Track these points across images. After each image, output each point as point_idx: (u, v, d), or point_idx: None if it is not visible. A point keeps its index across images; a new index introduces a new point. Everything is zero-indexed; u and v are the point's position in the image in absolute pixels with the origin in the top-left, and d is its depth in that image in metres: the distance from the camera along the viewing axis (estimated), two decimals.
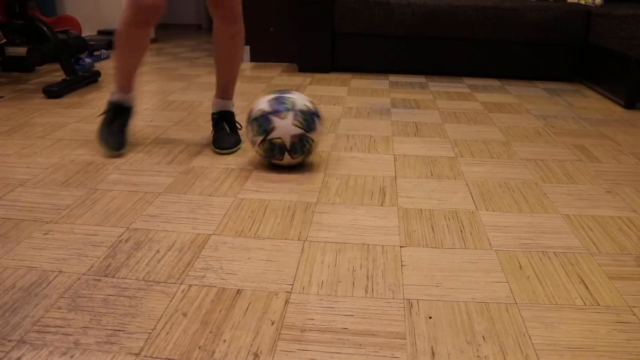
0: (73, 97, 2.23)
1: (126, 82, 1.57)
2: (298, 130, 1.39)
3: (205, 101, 2.21)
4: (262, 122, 1.40)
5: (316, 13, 2.81)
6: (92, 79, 2.46)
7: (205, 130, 1.81)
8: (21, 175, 1.39)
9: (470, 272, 1.00)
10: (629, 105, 2.20)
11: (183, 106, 2.12)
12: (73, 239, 1.07)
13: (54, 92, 2.18)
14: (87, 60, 2.78)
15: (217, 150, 1.60)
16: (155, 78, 2.66)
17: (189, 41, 4.09)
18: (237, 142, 1.63)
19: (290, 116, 1.39)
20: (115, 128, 1.57)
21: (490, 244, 1.10)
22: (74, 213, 1.18)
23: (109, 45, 3.48)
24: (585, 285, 0.96)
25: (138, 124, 1.85)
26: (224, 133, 1.63)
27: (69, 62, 2.31)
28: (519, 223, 1.20)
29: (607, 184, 1.43)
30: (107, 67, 2.90)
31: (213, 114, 1.67)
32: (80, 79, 2.36)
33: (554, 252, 1.08)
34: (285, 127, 1.38)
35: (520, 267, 1.02)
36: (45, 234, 1.09)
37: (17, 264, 0.98)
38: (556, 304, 0.91)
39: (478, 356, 0.78)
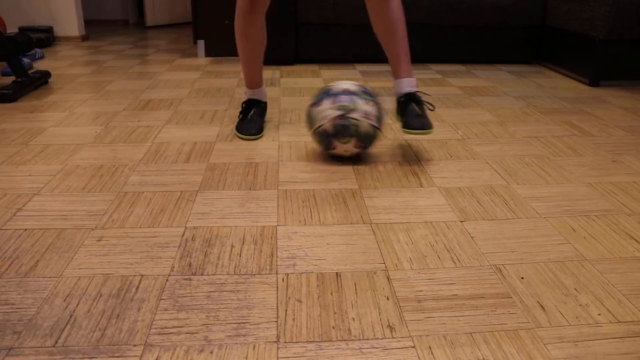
0: (29, 100, 2.12)
1: (254, 78, 1.75)
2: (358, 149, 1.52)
3: (184, 98, 2.19)
4: (323, 140, 1.50)
5: (279, 3, 2.87)
6: (42, 80, 2.34)
7: (201, 126, 1.82)
8: (29, 184, 1.33)
9: (534, 237, 1.14)
10: (594, 83, 2.50)
11: (163, 104, 2.10)
12: (133, 243, 1.07)
13: (9, 95, 2.06)
14: (26, 60, 2.64)
15: (410, 129, 1.52)
16: (113, 77, 2.58)
17: (123, 37, 3.96)
18: (427, 125, 1.52)
19: (352, 141, 1.47)
20: (253, 117, 1.76)
21: (537, 213, 1.25)
22: (117, 217, 1.17)
23: (39, 44, 3.30)
24: (636, 240, 1.14)
25: (128, 125, 1.82)
26: (412, 113, 1.56)
27: (19, 62, 2.19)
28: (552, 193, 1.37)
29: (610, 155, 1.64)
30: (53, 67, 2.76)
31: (397, 98, 1.63)
32: (32, 81, 2.25)
33: (596, 215, 1.25)
34: (344, 148, 1.50)
35: (574, 230, 1.18)
36: (98, 240, 1.08)
37: (87, 272, 0.97)
38: (620, 257, 1.07)
39: (580, 304, 0.91)
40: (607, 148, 1.70)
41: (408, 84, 1.60)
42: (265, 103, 1.84)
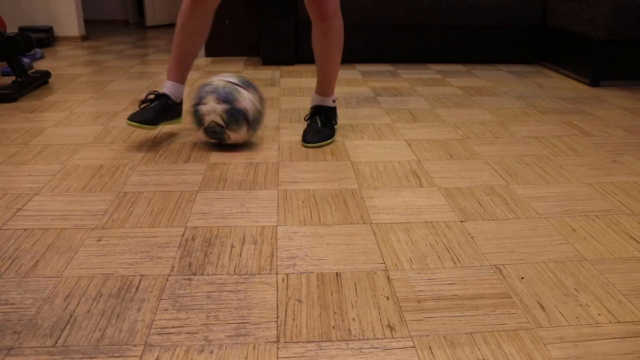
0: (29, 100, 2.12)
1: (179, 69, 1.63)
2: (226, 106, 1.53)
3: (184, 98, 2.19)
4: (216, 134, 1.56)
5: (279, 3, 2.87)
6: (42, 80, 2.34)
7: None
8: (29, 184, 1.33)
9: (534, 237, 1.14)
10: (594, 83, 2.50)
11: None
12: (134, 243, 1.07)
13: (9, 95, 2.06)
14: (26, 60, 2.65)
15: (303, 142, 1.67)
16: (113, 77, 2.58)
17: (123, 37, 3.96)
18: (327, 136, 1.69)
19: (244, 128, 1.55)
20: (150, 106, 1.59)
21: (537, 213, 1.25)
22: (117, 217, 1.17)
23: (39, 44, 3.30)
24: (636, 240, 1.14)
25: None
26: (313, 127, 1.71)
27: (19, 62, 2.19)
28: (552, 193, 1.37)
29: (610, 155, 1.64)
30: (53, 67, 2.76)
31: (311, 107, 1.78)
32: (32, 80, 2.24)
33: (596, 215, 1.25)
34: (236, 136, 1.57)
35: (574, 230, 1.18)
36: (98, 240, 1.08)
37: (87, 272, 0.97)
38: (620, 257, 1.07)
39: (580, 305, 0.91)
40: (607, 148, 1.70)
41: (324, 100, 1.75)
42: (175, 102, 1.64)
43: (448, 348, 0.80)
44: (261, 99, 1.59)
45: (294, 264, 1.01)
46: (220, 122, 1.51)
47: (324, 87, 1.73)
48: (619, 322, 0.87)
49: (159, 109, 1.59)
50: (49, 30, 3.49)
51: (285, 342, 0.80)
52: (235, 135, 1.56)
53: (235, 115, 1.51)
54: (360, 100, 2.23)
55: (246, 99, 1.52)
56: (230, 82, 1.54)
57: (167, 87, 1.63)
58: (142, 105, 1.61)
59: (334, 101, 1.77)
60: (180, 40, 1.60)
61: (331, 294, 0.92)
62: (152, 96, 1.70)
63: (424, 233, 1.14)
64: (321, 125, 1.71)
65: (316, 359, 0.77)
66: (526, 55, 3.08)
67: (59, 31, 3.60)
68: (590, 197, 1.34)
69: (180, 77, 1.63)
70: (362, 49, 3.02)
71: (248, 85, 1.56)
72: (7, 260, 1.01)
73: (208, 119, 1.52)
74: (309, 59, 3.04)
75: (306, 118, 1.78)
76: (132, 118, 1.53)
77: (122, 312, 0.86)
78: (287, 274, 0.97)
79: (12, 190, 1.30)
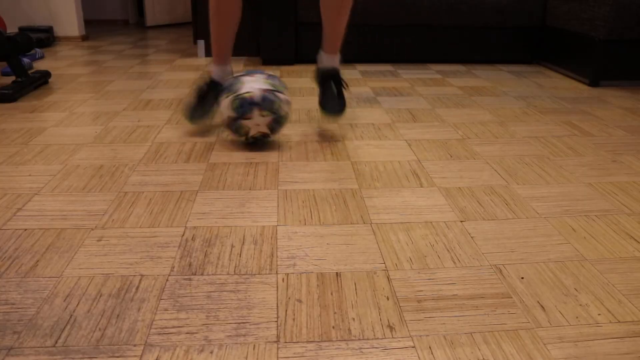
0: (30, 100, 2.12)
1: (221, 52, 1.74)
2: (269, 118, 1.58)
3: (184, 98, 2.19)
4: (242, 105, 1.53)
5: (279, 3, 2.87)
6: (42, 80, 2.34)
7: (201, 126, 1.82)
8: (29, 184, 1.33)
9: (534, 237, 1.14)
10: (594, 83, 2.50)
11: (163, 104, 2.10)
12: (133, 243, 1.07)
13: (9, 95, 2.06)
14: (26, 60, 2.65)
15: (327, 113, 1.68)
16: (113, 77, 2.58)
17: (123, 37, 3.96)
18: (345, 103, 1.70)
19: (269, 118, 1.56)
20: (206, 103, 1.73)
21: (537, 213, 1.25)
22: (117, 217, 1.17)
23: (39, 44, 3.30)
24: (636, 240, 1.14)
25: (128, 125, 1.82)
26: (331, 95, 1.72)
27: (19, 62, 2.19)
28: (552, 193, 1.37)
29: (610, 155, 1.64)
30: (53, 67, 2.76)
31: (320, 69, 1.77)
32: (32, 80, 2.24)
33: (596, 215, 1.25)
34: (257, 121, 1.56)
35: (574, 230, 1.18)
36: (98, 240, 1.08)
37: (87, 272, 0.97)
38: (620, 257, 1.07)
39: (580, 304, 0.91)
40: (607, 148, 1.70)
41: (334, 60, 1.75)
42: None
43: (448, 348, 0.80)
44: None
45: (294, 264, 1.01)
46: (267, 131, 1.58)
47: (335, 43, 1.72)
48: (619, 322, 0.87)
49: (213, 100, 1.74)
50: (49, 30, 3.49)
51: (285, 342, 0.80)
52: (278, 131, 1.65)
53: (280, 121, 1.59)
54: (360, 101, 2.23)
55: (282, 98, 1.58)
56: (263, 89, 1.57)
57: (215, 73, 1.76)
58: (197, 101, 1.74)
59: (340, 60, 1.78)
60: (217, 24, 1.68)
61: (331, 294, 0.92)
62: (205, 87, 1.77)
63: (424, 233, 1.14)
64: (337, 91, 1.72)
65: (316, 359, 0.77)
66: (526, 55, 3.08)
67: (59, 31, 3.60)
68: (590, 197, 1.34)
69: (225, 59, 1.76)
70: (362, 48, 3.02)
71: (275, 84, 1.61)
72: (7, 260, 1.01)
73: (254, 131, 1.57)
74: (309, 59, 3.04)
75: (318, 80, 1.78)
76: (192, 118, 1.71)
77: (122, 312, 0.86)
78: (287, 274, 0.97)
79: (12, 190, 1.31)
